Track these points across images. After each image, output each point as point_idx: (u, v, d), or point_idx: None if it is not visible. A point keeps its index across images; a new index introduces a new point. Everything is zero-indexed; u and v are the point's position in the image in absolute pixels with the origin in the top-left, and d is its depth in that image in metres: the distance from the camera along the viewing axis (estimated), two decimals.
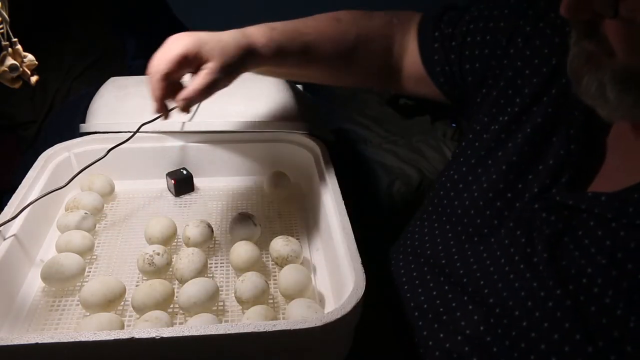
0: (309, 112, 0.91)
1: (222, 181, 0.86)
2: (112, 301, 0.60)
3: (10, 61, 0.62)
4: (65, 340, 0.48)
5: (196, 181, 0.84)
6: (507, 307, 0.53)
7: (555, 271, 0.50)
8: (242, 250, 0.66)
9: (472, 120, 0.66)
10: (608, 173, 0.54)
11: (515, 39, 0.62)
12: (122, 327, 0.57)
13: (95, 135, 0.85)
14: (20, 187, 0.71)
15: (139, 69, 1.48)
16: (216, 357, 0.53)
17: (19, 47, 0.63)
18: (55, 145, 0.81)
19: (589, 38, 0.47)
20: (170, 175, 0.83)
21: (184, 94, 0.60)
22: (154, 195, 0.83)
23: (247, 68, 0.64)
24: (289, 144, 0.85)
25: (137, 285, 0.62)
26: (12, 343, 0.47)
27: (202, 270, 0.64)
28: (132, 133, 0.79)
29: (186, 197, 0.83)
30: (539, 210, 0.55)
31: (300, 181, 0.85)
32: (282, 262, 0.66)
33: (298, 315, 0.56)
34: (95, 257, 0.70)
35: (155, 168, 0.84)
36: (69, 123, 1.09)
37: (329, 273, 0.67)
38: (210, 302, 0.60)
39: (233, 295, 0.62)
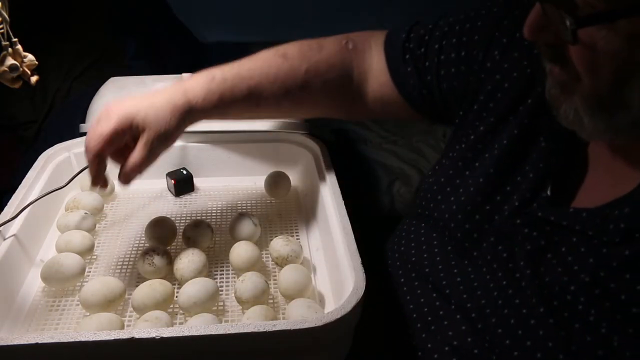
0: None
1: (222, 181, 0.86)
2: (112, 301, 0.60)
3: (10, 61, 0.62)
4: (65, 340, 0.48)
5: (196, 181, 0.84)
6: (490, 323, 0.52)
7: (538, 287, 0.49)
8: (242, 250, 0.66)
9: (454, 130, 0.65)
10: (590, 187, 0.53)
11: (492, 52, 0.60)
12: (122, 327, 0.57)
13: None
14: (20, 187, 0.71)
15: (139, 69, 1.49)
16: (216, 357, 0.53)
17: (19, 47, 0.63)
18: (55, 145, 0.81)
19: (555, 62, 0.47)
20: (170, 175, 0.83)
21: (122, 172, 0.61)
22: (154, 195, 0.83)
23: (186, 126, 0.63)
24: (289, 144, 0.85)
25: (137, 285, 0.62)
26: (12, 343, 0.47)
27: (202, 270, 0.64)
28: None
29: (186, 197, 0.83)
30: (521, 225, 0.53)
31: (300, 181, 0.85)
32: (282, 262, 0.66)
33: (298, 315, 0.56)
34: (95, 257, 0.70)
35: (155, 168, 0.83)
36: (69, 123, 1.09)
37: (329, 273, 0.67)
38: (210, 302, 0.60)
39: (233, 295, 0.62)
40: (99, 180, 0.62)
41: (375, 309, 0.61)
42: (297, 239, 0.69)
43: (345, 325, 0.52)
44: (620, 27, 0.40)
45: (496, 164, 0.58)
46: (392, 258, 0.66)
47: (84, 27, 1.50)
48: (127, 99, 0.61)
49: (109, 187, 0.79)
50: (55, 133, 1.14)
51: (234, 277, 0.67)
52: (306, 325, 0.49)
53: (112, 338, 0.48)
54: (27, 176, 0.73)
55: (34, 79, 0.65)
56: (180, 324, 0.60)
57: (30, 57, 0.65)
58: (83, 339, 0.47)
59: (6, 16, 0.59)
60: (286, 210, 0.80)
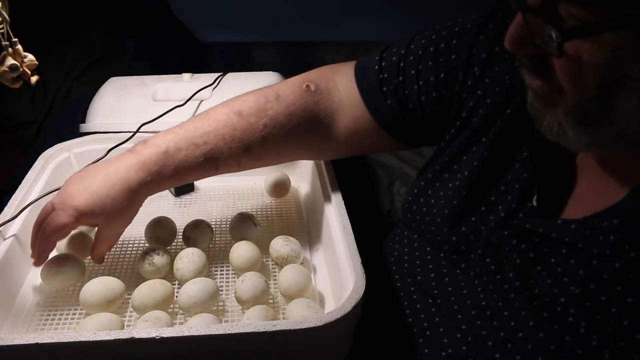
0: None
1: (222, 181, 0.85)
2: (112, 301, 0.60)
3: (10, 61, 0.62)
4: (65, 340, 0.48)
5: (196, 181, 0.84)
6: (481, 336, 0.52)
7: (528, 299, 0.49)
8: (242, 250, 0.66)
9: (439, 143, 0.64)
10: (579, 198, 0.52)
11: (471, 69, 0.58)
12: (122, 327, 0.57)
13: (95, 135, 0.85)
14: (20, 187, 0.71)
15: (139, 69, 1.49)
16: (216, 357, 0.53)
17: (19, 47, 0.63)
18: (55, 145, 0.81)
19: (537, 74, 0.46)
20: None
21: (93, 259, 0.64)
22: (154, 195, 0.82)
23: (143, 202, 0.63)
24: None
25: (137, 285, 0.62)
26: (12, 343, 0.47)
27: (202, 270, 0.64)
28: (132, 133, 0.80)
29: (186, 197, 0.83)
30: (509, 237, 0.52)
31: (300, 181, 0.85)
32: (282, 262, 0.66)
33: (298, 315, 0.56)
34: None
35: None
36: (69, 123, 1.09)
37: (329, 273, 0.66)
38: (210, 302, 0.60)
39: (233, 295, 0.62)
40: (41, 262, 0.62)
41: (375, 309, 0.61)
42: (297, 239, 0.69)
43: (345, 325, 0.52)
44: (606, 40, 0.39)
45: (478, 175, 0.57)
46: (389, 262, 0.66)
47: (84, 27, 1.50)
48: (84, 178, 0.60)
49: None
50: (55, 133, 1.14)
51: (234, 277, 0.67)
52: (306, 325, 0.49)
53: (112, 338, 0.48)
54: (27, 176, 0.73)
55: (34, 79, 0.65)
56: (180, 324, 0.60)
57: (30, 57, 0.65)
58: (83, 339, 0.47)
59: (6, 16, 0.59)
60: (286, 210, 0.80)
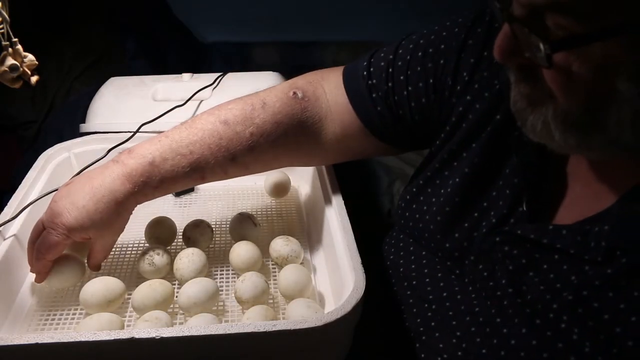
0: None
1: (222, 181, 0.85)
2: (112, 301, 0.60)
3: (10, 61, 0.62)
4: (65, 340, 0.48)
5: None
6: (475, 342, 0.52)
7: (520, 306, 0.49)
8: (242, 250, 0.66)
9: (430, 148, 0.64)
10: (570, 203, 0.52)
11: (460, 74, 0.58)
12: (122, 327, 0.57)
13: (95, 135, 0.85)
14: (20, 187, 0.71)
15: (139, 69, 1.49)
16: (216, 357, 0.53)
17: (19, 47, 0.63)
18: (55, 145, 0.81)
19: (526, 81, 0.45)
20: None
21: (89, 267, 0.65)
22: None
23: (131, 211, 0.63)
24: None
25: (137, 285, 0.62)
26: (12, 343, 0.47)
27: (202, 270, 0.64)
28: (132, 133, 0.80)
29: (186, 197, 0.83)
30: (500, 243, 0.52)
31: (300, 181, 0.85)
32: (282, 262, 0.66)
33: (298, 315, 0.56)
34: None
35: None
36: (69, 123, 1.09)
37: (329, 273, 0.66)
38: (210, 302, 0.60)
39: (233, 295, 0.62)
40: (42, 279, 0.62)
41: (375, 309, 0.61)
42: (297, 239, 0.69)
43: (345, 325, 0.52)
44: (595, 50, 0.39)
45: (469, 181, 0.57)
46: (386, 265, 0.66)
47: (84, 27, 1.50)
48: (70, 193, 0.60)
49: None
50: (55, 133, 1.14)
51: (234, 277, 0.67)
52: (306, 325, 0.49)
53: (112, 338, 0.48)
54: (27, 176, 0.73)
55: (34, 79, 0.65)
56: (180, 324, 0.60)
57: (30, 57, 0.65)
58: (83, 339, 0.47)
59: (6, 16, 0.59)
60: (286, 210, 0.80)
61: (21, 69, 0.63)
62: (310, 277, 0.63)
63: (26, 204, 0.68)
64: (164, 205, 0.81)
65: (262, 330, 0.49)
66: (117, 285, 0.61)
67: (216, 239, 0.74)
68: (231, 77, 1.01)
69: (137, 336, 0.48)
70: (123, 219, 0.62)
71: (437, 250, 0.59)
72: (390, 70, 0.63)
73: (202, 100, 0.93)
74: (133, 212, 0.63)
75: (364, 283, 0.54)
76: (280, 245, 0.67)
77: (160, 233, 0.70)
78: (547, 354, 0.46)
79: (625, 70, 0.39)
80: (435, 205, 0.59)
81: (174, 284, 0.64)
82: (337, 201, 0.68)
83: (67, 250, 0.66)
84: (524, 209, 0.53)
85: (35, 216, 0.69)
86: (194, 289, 0.60)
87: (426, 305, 0.58)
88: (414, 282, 0.60)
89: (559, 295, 0.46)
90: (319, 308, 0.58)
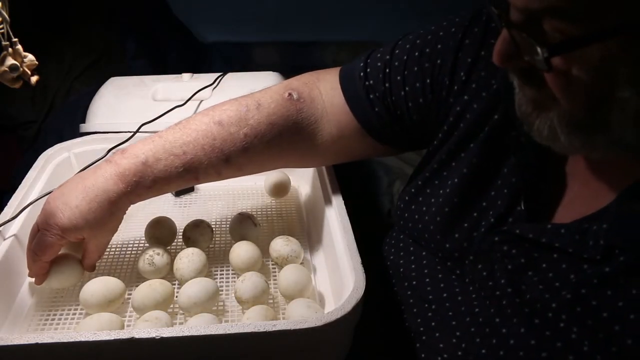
0: None
1: (222, 181, 0.85)
2: (112, 301, 0.60)
3: (10, 61, 0.62)
4: (65, 340, 0.48)
5: None
6: (474, 342, 0.52)
7: (519, 305, 0.49)
8: (242, 250, 0.66)
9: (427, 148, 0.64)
10: (569, 202, 0.52)
11: (457, 74, 0.58)
12: (122, 327, 0.57)
13: (95, 135, 0.85)
14: (20, 187, 0.71)
15: (139, 69, 1.49)
16: (216, 357, 0.53)
17: (19, 47, 0.63)
18: (55, 145, 0.81)
19: (529, 84, 0.45)
20: None
21: (84, 268, 0.65)
22: None
23: (125, 211, 0.63)
24: None
25: (137, 285, 0.62)
26: (12, 343, 0.47)
27: (202, 270, 0.64)
28: (132, 133, 0.80)
29: (186, 197, 0.83)
30: (499, 243, 0.52)
31: (300, 181, 0.85)
32: (282, 262, 0.66)
33: (298, 315, 0.56)
34: None
35: None
36: (69, 123, 1.09)
37: (329, 273, 0.66)
38: (210, 302, 0.60)
39: (233, 295, 0.62)
40: (41, 281, 0.63)
41: (375, 309, 0.61)
42: (297, 239, 0.69)
43: (345, 325, 0.52)
44: (593, 52, 0.39)
45: (468, 181, 0.57)
46: (386, 265, 0.66)
47: (84, 27, 1.50)
48: (63, 194, 0.60)
49: None
50: (55, 133, 1.14)
51: (234, 277, 0.67)
52: (306, 325, 0.49)
53: (112, 338, 0.48)
54: (27, 176, 0.73)
55: (34, 79, 0.65)
56: (180, 324, 0.60)
57: (30, 57, 0.65)
58: (83, 339, 0.47)
59: (6, 16, 0.59)
60: (286, 210, 0.80)
61: (21, 69, 0.63)
62: (310, 277, 0.63)
63: (26, 204, 0.68)
64: (164, 205, 0.81)
65: (262, 330, 0.49)
66: (117, 285, 0.61)
67: (216, 239, 0.74)
68: (231, 77, 1.01)
69: (137, 336, 0.48)
70: (117, 218, 0.62)
71: (437, 250, 0.59)
72: (387, 70, 0.63)
73: (202, 100, 0.93)
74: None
75: (364, 283, 0.54)
76: (280, 245, 0.67)
77: (160, 233, 0.70)
78: (546, 353, 0.46)
79: (624, 70, 0.39)
80: (434, 206, 0.59)
81: (174, 284, 0.64)
82: (337, 201, 0.68)
83: (67, 250, 0.66)
84: (522, 208, 0.53)
85: (35, 216, 0.69)
86: (194, 289, 0.60)
87: (426, 305, 0.58)
88: (414, 282, 0.60)
89: (557, 294, 0.47)
90: (319, 308, 0.58)
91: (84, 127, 0.91)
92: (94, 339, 0.47)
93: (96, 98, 0.96)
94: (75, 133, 0.91)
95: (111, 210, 0.60)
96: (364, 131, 0.65)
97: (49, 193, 0.70)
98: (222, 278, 0.67)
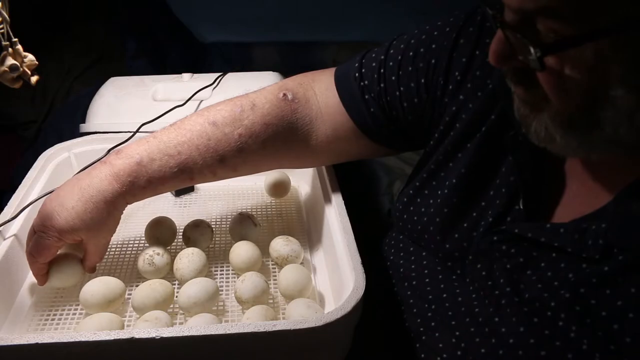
0: None
1: (222, 181, 0.85)
2: (112, 301, 0.60)
3: (10, 61, 0.62)
4: (65, 340, 0.48)
5: None
6: (474, 342, 0.52)
7: (518, 304, 0.49)
8: (242, 250, 0.66)
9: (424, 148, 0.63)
10: (568, 201, 0.52)
11: (452, 74, 0.58)
12: (122, 327, 0.57)
13: (95, 135, 0.85)
14: (20, 187, 0.71)
15: (139, 69, 1.49)
16: (216, 357, 0.53)
17: (19, 47, 0.63)
18: (55, 145, 0.81)
19: (522, 85, 0.46)
20: None
21: (85, 269, 0.65)
22: None
23: (121, 211, 0.63)
24: None
25: (137, 285, 0.62)
26: (12, 343, 0.47)
27: (202, 270, 0.64)
28: (132, 133, 0.80)
29: (186, 197, 0.83)
30: (498, 242, 0.52)
31: (300, 181, 0.85)
32: (282, 262, 0.66)
33: (298, 315, 0.56)
34: None
35: None
36: (69, 123, 1.09)
37: (329, 273, 0.66)
38: (210, 302, 0.60)
39: (233, 295, 0.62)
40: (43, 281, 0.63)
41: (375, 308, 0.61)
42: (297, 239, 0.69)
43: (345, 325, 0.52)
44: (586, 52, 0.39)
45: (466, 181, 0.57)
46: (386, 265, 0.66)
47: (84, 27, 1.50)
48: (59, 195, 0.60)
49: None
50: (55, 133, 1.14)
51: (234, 277, 0.67)
52: (306, 325, 0.49)
53: (112, 338, 0.48)
54: (27, 176, 0.73)
55: (34, 79, 0.65)
56: (180, 324, 0.60)
57: (30, 57, 0.65)
58: (83, 339, 0.47)
59: (6, 16, 0.59)
60: (286, 210, 0.80)
61: (21, 69, 0.63)
62: (310, 277, 0.63)
63: (26, 204, 0.68)
64: (164, 205, 0.81)
65: (262, 330, 0.49)
66: (117, 285, 0.61)
67: (216, 239, 0.74)
68: (231, 77, 1.01)
69: (137, 336, 0.48)
70: (114, 219, 0.62)
71: (437, 251, 0.59)
72: (382, 70, 0.63)
73: (202, 100, 0.93)
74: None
75: (364, 283, 0.54)
76: (280, 245, 0.67)
77: (160, 233, 0.70)
78: (545, 352, 0.46)
79: (616, 70, 0.39)
80: (433, 206, 0.59)
81: (174, 284, 0.64)
82: (337, 201, 0.68)
83: (67, 249, 0.66)
84: (521, 207, 0.53)
85: (35, 216, 0.69)
86: (194, 289, 0.60)
87: (426, 305, 0.58)
88: (414, 282, 0.60)
89: (556, 294, 0.47)
90: (319, 308, 0.58)
91: (83, 127, 0.91)
92: (94, 339, 0.47)
93: (96, 98, 0.97)
94: (75, 133, 0.91)
95: (107, 210, 0.60)
96: (360, 132, 0.65)
97: (49, 193, 0.70)
98: (222, 278, 0.67)
